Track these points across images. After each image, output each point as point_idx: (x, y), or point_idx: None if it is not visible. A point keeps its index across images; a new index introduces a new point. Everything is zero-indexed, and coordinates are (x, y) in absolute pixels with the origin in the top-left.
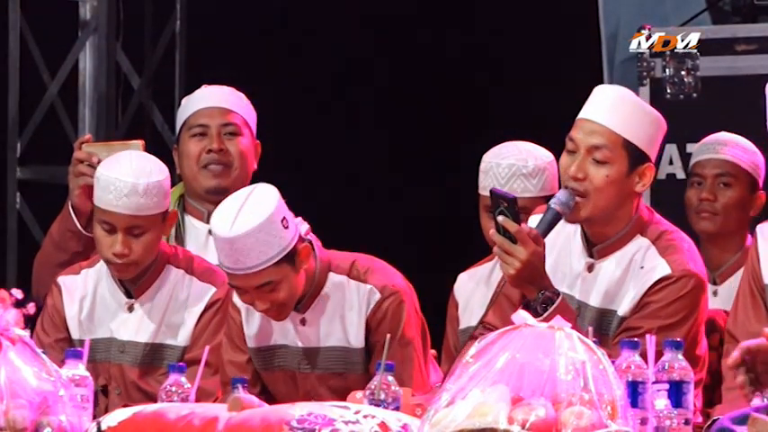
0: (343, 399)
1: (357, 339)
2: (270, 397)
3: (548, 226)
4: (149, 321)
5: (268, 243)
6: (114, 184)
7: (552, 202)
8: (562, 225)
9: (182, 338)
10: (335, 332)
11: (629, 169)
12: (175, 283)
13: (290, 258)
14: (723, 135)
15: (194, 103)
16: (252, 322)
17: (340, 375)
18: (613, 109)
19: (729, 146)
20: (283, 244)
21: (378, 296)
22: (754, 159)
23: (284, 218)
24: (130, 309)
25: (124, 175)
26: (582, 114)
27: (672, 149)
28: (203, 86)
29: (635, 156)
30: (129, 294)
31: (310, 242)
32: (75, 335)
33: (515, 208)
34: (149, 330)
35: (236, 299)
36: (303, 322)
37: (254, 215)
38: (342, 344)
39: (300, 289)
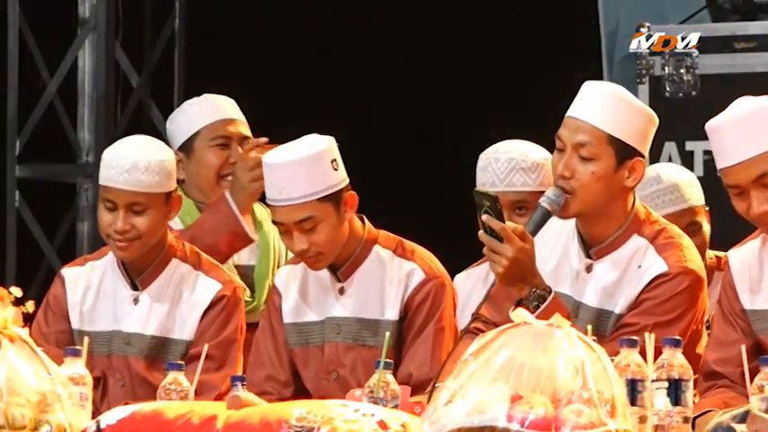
0: (365, 372)
1: (392, 313)
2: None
3: (537, 223)
4: (155, 314)
5: (314, 177)
6: (117, 161)
7: (542, 200)
8: (562, 227)
9: (186, 333)
10: (372, 304)
11: (617, 164)
12: (181, 277)
13: (335, 200)
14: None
15: (210, 113)
16: (290, 297)
17: (369, 348)
18: (598, 105)
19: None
20: (329, 182)
21: (422, 276)
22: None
23: (334, 160)
24: (136, 301)
25: (127, 151)
26: (569, 112)
27: (671, 147)
28: (204, 95)
29: (622, 151)
30: (134, 287)
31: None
32: (75, 325)
33: (498, 206)
34: (155, 323)
35: (276, 280)
36: (342, 291)
37: (304, 148)
38: (375, 316)
39: (342, 241)
